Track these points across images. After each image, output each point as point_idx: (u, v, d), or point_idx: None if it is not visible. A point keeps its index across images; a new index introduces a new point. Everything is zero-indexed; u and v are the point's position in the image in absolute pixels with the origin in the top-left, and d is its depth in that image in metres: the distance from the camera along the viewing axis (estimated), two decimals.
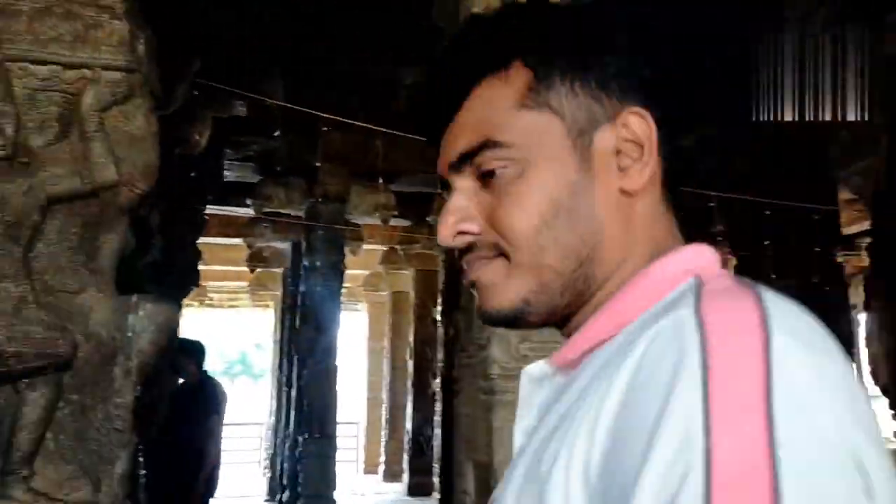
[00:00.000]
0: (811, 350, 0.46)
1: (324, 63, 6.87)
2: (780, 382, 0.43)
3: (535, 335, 3.02)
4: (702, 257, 0.60)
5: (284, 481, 9.28)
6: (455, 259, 0.66)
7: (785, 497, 0.40)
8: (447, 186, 0.65)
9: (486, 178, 0.62)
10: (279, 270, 12.79)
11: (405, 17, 5.85)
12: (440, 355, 10.99)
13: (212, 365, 22.17)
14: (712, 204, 6.45)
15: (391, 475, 13.22)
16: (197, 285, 9.30)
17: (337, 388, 8.81)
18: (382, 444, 13.93)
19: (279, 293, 13.49)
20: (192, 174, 7.38)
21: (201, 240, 9.39)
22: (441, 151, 0.66)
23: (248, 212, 10.27)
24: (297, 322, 9.32)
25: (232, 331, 22.29)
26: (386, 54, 6.55)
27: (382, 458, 13.80)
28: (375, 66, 6.96)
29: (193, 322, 16.06)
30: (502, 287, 0.62)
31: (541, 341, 3.04)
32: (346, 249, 9.73)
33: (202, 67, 5.76)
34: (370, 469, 14.59)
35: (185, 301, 13.46)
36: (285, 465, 9.34)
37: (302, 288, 9.22)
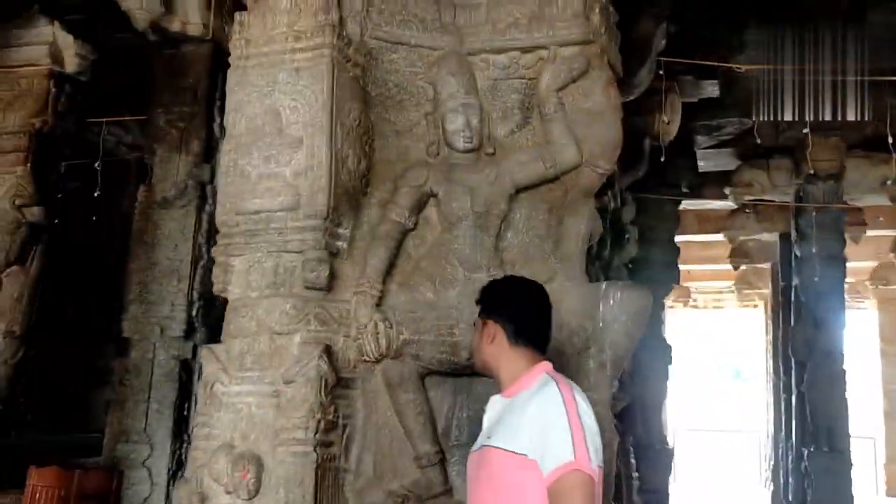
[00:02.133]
0: (581, 398, 1.96)
1: (802, 18, 5.90)
2: (579, 407, 1.93)
3: None
4: (547, 366, 2.04)
5: (790, 497, 8.31)
6: None
7: (587, 438, 1.88)
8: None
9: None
10: (766, 266, 11.73)
11: None
12: None
13: (701, 368, 21.56)
14: None
15: None
16: (677, 282, 8.94)
17: (846, 396, 7.56)
18: None
19: (768, 290, 12.38)
20: (664, 165, 7.05)
21: (678, 237, 9.02)
22: None
23: (727, 203, 9.57)
24: (792, 320, 8.30)
25: (718, 332, 21.41)
26: None
27: None
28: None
29: (678, 324, 15.76)
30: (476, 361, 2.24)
31: None
32: (846, 236, 8.37)
33: (667, 46, 5.39)
34: (894, 492, 12.45)
35: (668, 302, 13.27)
36: (790, 479, 8.36)
37: (795, 282, 8.18)
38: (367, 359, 2.73)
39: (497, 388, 2.07)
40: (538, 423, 1.87)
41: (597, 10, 3.05)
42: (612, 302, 2.87)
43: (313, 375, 2.56)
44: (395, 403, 2.76)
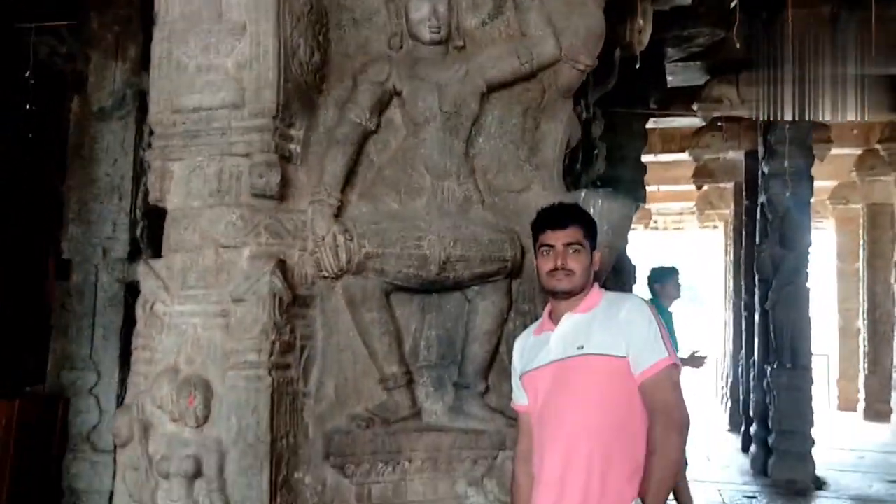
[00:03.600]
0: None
1: None
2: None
3: None
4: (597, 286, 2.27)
5: (750, 413, 8.40)
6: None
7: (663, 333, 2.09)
8: (551, 247, 2.19)
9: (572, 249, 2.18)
10: (729, 185, 11.63)
11: None
12: None
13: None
14: None
15: (875, 415, 11.35)
16: (644, 202, 8.77)
17: (810, 314, 7.56)
18: (861, 379, 12.04)
19: (729, 210, 12.33)
20: (632, 79, 6.74)
21: (643, 157, 8.78)
22: (558, 235, 2.19)
23: (694, 121, 9.33)
24: (758, 238, 8.21)
25: (678, 254, 21.58)
26: None
27: (862, 396, 11.95)
28: None
29: (639, 245, 15.72)
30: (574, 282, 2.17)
31: None
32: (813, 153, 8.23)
33: None
34: (846, 406, 12.81)
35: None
36: (751, 396, 8.42)
37: (762, 199, 8.04)
38: (327, 274, 2.46)
39: (560, 309, 2.18)
40: (631, 328, 2.06)
41: None
42: (592, 211, 2.62)
43: (265, 293, 2.29)
44: (358, 323, 2.52)
